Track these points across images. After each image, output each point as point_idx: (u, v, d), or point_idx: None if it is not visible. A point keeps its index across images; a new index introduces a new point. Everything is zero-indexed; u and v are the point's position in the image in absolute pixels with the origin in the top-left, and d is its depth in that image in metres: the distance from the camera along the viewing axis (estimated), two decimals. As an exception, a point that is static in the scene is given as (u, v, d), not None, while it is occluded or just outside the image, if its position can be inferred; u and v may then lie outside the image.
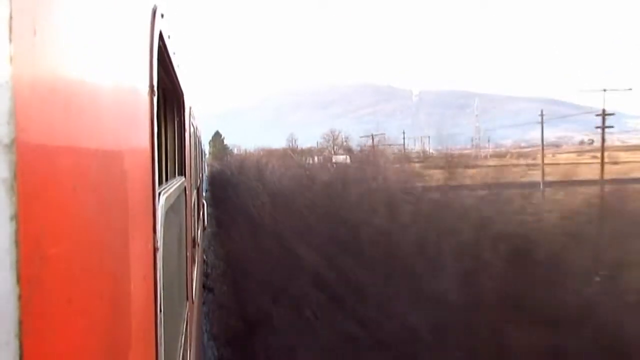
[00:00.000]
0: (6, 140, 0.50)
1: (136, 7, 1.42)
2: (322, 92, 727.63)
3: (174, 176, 3.52)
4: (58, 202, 0.69)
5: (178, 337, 2.83)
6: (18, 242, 0.51)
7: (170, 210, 2.40)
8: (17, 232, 0.51)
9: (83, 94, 0.83)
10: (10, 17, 0.52)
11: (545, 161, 55.83)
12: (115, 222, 1.08)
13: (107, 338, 0.99)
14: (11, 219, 0.50)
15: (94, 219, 0.90)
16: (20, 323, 0.51)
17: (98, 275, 0.92)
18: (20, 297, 0.51)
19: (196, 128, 6.68)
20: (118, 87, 1.13)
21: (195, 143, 6.35)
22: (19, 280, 0.51)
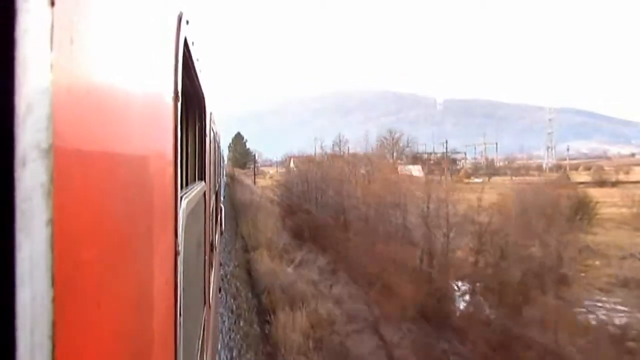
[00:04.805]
0: (44, 145, 0.51)
1: (164, 15, 1.45)
2: (343, 98, 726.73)
3: (194, 181, 3.54)
4: (90, 207, 0.70)
5: (196, 342, 2.84)
6: (53, 246, 0.52)
7: (191, 214, 2.41)
8: (52, 236, 0.52)
9: (114, 100, 0.85)
10: (52, 27, 0.53)
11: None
12: (141, 227, 1.10)
13: (131, 341, 1.00)
14: (47, 223, 0.51)
15: (122, 224, 0.91)
16: (54, 325, 0.52)
17: (125, 279, 0.94)
18: (53, 300, 0.52)
19: (216, 133, 6.74)
20: (145, 93, 1.15)
21: (214, 148, 6.40)
22: (53, 283, 0.52)
